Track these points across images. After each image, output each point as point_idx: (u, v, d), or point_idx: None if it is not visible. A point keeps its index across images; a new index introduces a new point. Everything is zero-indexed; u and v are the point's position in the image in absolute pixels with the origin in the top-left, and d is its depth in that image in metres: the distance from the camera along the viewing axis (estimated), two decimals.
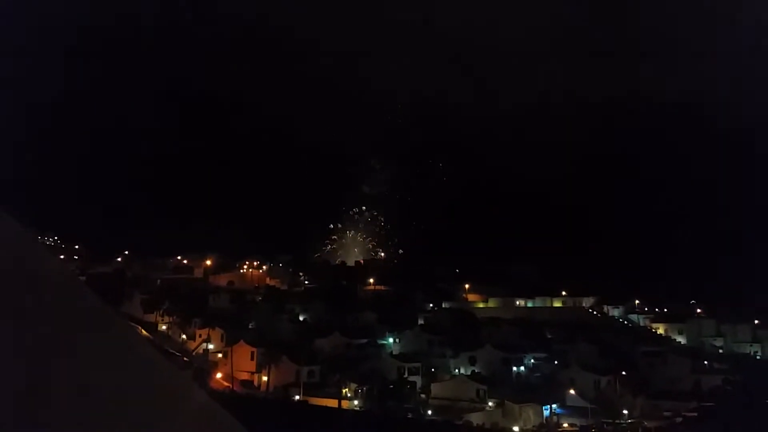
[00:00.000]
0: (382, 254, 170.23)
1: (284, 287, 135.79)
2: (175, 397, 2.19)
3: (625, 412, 74.92)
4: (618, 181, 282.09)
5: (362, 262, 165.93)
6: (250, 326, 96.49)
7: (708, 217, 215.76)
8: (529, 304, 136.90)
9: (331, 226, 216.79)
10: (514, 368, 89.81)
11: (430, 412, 73.53)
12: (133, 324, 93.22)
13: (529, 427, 70.92)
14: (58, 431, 1.68)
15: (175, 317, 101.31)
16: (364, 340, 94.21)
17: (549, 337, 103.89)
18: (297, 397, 77.64)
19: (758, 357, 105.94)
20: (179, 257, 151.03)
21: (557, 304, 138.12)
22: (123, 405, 1.91)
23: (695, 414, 69.86)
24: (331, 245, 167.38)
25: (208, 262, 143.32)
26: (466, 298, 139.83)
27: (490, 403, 75.71)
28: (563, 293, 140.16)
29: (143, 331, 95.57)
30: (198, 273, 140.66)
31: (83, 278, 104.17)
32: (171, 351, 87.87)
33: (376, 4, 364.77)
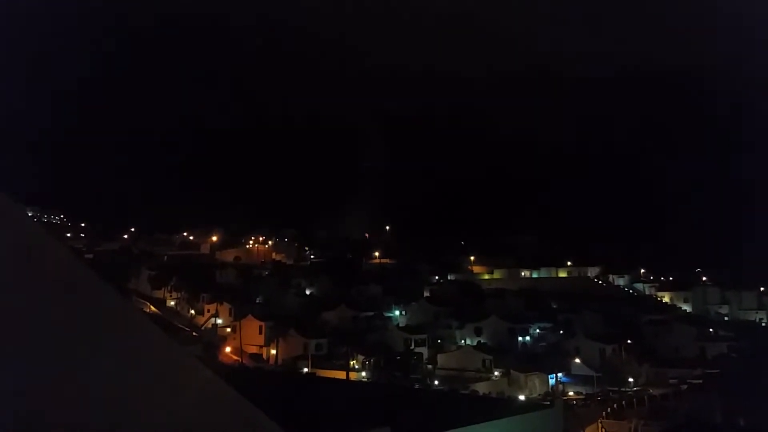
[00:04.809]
0: (387, 227, 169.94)
1: (290, 262, 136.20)
2: (178, 373, 2.19)
3: (630, 379, 75.62)
4: (620, 149, 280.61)
5: (367, 235, 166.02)
6: (257, 301, 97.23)
7: (713, 185, 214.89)
8: (534, 275, 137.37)
9: (336, 200, 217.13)
10: (520, 338, 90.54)
11: (436, 382, 74.24)
12: (138, 299, 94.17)
13: (535, 395, 71.54)
14: (58, 411, 1.68)
15: (183, 293, 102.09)
16: (371, 313, 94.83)
17: (554, 307, 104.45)
18: (305, 370, 78.46)
19: (764, 324, 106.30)
20: (185, 233, 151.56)
21: (562, 274, 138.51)
22: (124, 382, 1.89)
23: (700, 381, 70.24)
24: (336, 219, 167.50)
25: (214, 238, 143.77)
26: (472, 270, 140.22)
27: (496, 373, 76.41)
28: (568, 263, 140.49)
29: (152, 307, 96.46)
30: (204, 249, 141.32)
31: (90, 256, 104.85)
32: (180, 326, 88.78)
33: None
